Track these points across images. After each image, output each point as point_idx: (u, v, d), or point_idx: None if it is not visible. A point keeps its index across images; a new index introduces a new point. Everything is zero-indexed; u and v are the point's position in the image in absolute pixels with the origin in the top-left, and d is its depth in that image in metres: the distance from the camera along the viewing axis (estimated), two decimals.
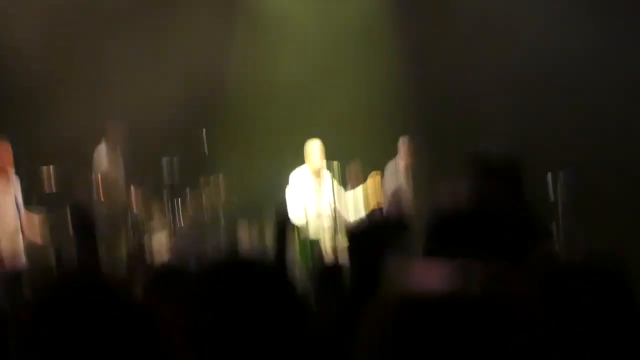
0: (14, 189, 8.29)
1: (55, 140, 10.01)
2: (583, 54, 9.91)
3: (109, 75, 10.99)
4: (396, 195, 9.62)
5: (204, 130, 10.31)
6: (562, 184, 8.87)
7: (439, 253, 1.92)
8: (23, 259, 8.13)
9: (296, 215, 8.81)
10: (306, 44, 11.27)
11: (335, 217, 9.01)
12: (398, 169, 10.24)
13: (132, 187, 9.88)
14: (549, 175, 8.83)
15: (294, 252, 8.29)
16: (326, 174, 9.28)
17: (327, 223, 9.03)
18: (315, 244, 8.81)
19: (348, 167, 9.62)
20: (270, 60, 11.43)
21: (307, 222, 8.84)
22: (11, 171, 8.35)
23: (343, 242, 8.23)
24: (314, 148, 9.31)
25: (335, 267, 6.32)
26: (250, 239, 9.57)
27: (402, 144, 10.27)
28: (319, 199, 9.12)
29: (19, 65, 10.65)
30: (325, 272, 6.20)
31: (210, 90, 11.15)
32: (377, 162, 10.01)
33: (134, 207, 9.95)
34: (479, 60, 10.54)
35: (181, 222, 9.96)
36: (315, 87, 11.13)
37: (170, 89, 10.60)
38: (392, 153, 10.24)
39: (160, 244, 9.41)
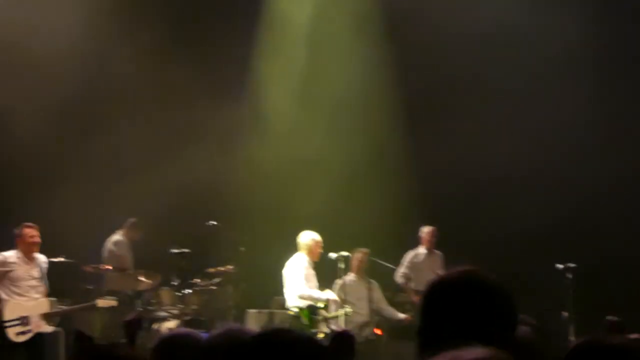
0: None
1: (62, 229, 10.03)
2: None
3: (120, 169, 11.21)
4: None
5: (213, 223, 10.45)
6: None
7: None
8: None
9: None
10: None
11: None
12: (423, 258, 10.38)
13: (142, 277, 9.90)
14: None
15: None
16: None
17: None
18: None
19: (353, 254, 9.73)
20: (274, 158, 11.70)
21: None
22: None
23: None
24: (314, 238, 9.44)
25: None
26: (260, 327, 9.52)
27: (426, 233, 10.40)
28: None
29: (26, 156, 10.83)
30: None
31: (218, 189, 11.35)
32: (384, 251, 10.17)
33: (145, 296, 9.96)
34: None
35: (191, 311, 9.91)
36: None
37: (178, 184, 10.77)
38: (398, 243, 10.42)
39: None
